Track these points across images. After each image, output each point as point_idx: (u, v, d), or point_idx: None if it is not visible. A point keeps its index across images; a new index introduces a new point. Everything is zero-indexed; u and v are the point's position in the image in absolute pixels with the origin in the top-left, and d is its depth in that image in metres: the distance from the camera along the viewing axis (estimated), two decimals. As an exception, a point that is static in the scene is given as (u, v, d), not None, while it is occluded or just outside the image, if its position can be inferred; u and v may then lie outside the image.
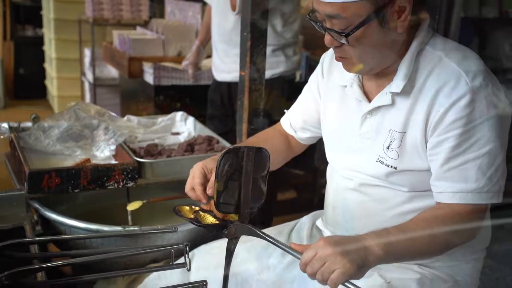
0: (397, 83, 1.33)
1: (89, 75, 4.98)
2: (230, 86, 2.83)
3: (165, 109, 3.45)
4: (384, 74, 1.38)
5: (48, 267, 1.34)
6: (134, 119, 2.39)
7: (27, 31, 6.48)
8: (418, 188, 1.38)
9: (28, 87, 6.29)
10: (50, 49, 5.63)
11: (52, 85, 5.72)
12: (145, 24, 4.65)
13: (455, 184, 1.28)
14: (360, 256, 1.16)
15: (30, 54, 6.26)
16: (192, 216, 1.42)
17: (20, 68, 6.35)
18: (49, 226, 1.79)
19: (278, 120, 1.80)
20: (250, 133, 2.13)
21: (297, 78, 3.14)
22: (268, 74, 2.44)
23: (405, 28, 1.29)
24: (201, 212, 1.43)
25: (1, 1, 6.12)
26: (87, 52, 5.08)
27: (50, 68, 5.76)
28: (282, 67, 2.77)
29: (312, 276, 1.16)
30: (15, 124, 2.14)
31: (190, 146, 2.16)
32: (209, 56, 3.52)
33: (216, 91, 2.99)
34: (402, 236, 1.23)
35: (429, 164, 1.32)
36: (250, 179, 1.29)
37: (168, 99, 3.58)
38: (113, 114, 2.29)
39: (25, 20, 6.45)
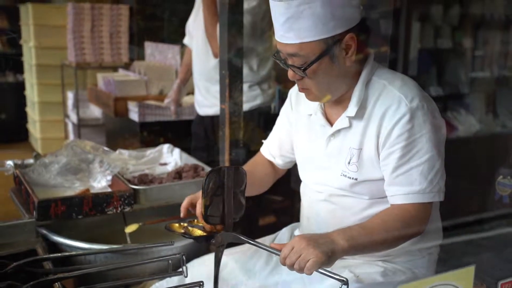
0: (352, 108, 1.53)
1: (73, 117, 5.04)
2: (212, 119, 2.94)
3: (149, 144, 3.41)
4: (341, 102, 1.57)
5: (63, 277, 1.46)
6: (125, 152, 2.53)
7: (8, 77, 6.42)
8: (376, 195, 1.55)
9: (10, 131, 6.26)
10: (32, 94, 5.69)
11: (35, 128, 5.75)
12: (125, 66, 4.76)
13: (403, 187, 1.47)
14: (329, 248, 1.33)
15: (11, 99, 6.28)
16: (182, 231, 1.60)
17: (1, 113, 6.32)
18: (56, 250, 1.86)
19: (257, 149, 1.94)
20: (232, 160, 2.23)
21: (272, 110, 3.27)
22: (246, 106, 2.60)
23: (352, 62, 1.49)
24: (189, 227, 1.61)
25: None
26: (70, 95, 5.17)
27: (33, 112, 5.80)
28: (259, 100, 2.92)
29: (291, 267, 1.34)
30: (18, 162, 2.28)
31: (178, 174, 2.29)
32: (189, 93, 3.66)
33: (200, 124, 3.11)
34: (363, 231, 1.42)
35: (382, 175, 1.51)
36: (231, 194, 1.46)
37: (152, 134, 3.64)
38: (106, 148, 2.44)
39: (5, 66, 6.29)
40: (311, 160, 1.69)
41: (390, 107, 1.48)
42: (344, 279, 1.28)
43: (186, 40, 3.28)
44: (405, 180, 1.47)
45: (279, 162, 1.89)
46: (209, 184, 1.43)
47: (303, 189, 1.78)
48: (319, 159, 1.65)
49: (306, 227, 1.77)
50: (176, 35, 4.43)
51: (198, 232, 1.58)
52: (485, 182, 2.70)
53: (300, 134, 1.75)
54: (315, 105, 1.65)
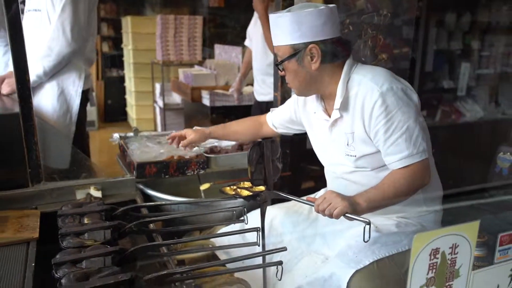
0: (337, 102, 1.53)
1: (160, 102, 5.17)
2: (267, 104, 2.95)
3: (217, 123, 3.48)
4: (332, 98, 1.56)
5: (155, 220, 1.53)
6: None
7: (113, 73, 6.66)
8: (375, 166, 1.54)
9: (114, 113, 6.49)
10: (130, 85, 5.86)
11: (132, 111, 5.94)
12: (199, 63, 4.82)
13: (396, 155, 1.46)
14: (351, 202, 1.37)
15: (115, 89, 6.45)
16: (233, 193, 1.61)
17: (108, 99, 6.55)
18: (149, 200, 1.95)
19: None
20: (281, 137, 2.14)
21: None
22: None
23: (317, 68, 1.49)
24: (238, 189, 1.61)
25: (95, 53, 6.36)
26: (157, 86, 5.28)
27: (130, 98, 5.99)
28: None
29: (322, 212, 1.38)
30: (122, 134, 2.38)
31: (240, 146, 2.35)
32: (248, 84, 3.72)
33: (257, 108, 3.15)
34: (377, 191, 1.44)
35: (375, 149, 1.50)
36: (270, 161, 1.49)
37: (219, 116, 3.70)
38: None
39: (111, 64, 6.63)
40: (323, 147, 1.70)
41: (366, 95, 1.47)
42: (367, 220, 1.30)
43: (246, 42, 3.30)
44: (395, 149, 1.46)
45: (278, 128, 1.93)
46: (252, 154, 1.46)
47: (325, 171, 1.78)
48: (327, 146, 1.66)
49: None
50: (238, 39, 4.46)
51: (246, 193, 1.59)
52: (487, 158, 2.62)
53: (311, 128, 1.75)
54: (316, 104, 1.65)
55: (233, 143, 2.48)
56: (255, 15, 3.16)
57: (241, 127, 1.99)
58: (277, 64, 1.55)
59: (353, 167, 1.57)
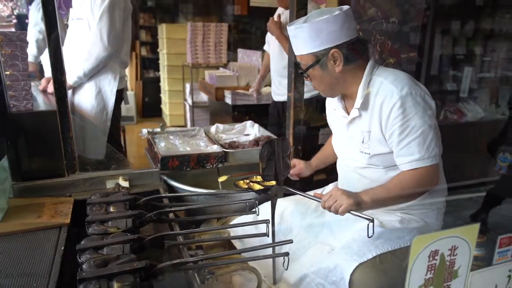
0: (358, 101, 1.44)
1: (189, 100, 5.12)
2: (283, 104, 2.87)
3: (238, 120, 3.47)
4: (352, 98, 1.48)
5: (176, 210, 1.50)
6: (221, 125, 2.53)
7: (150, 74, 6.64)
8: (388, 165, 1.45)
9: (150, 109, 6.47)
10: (164, 84, 5.83)
11: (166, 108, 5.92)
12: (224, 66, 4.76)
13: (407, 157, 1.36)
14: (357, 199, 1.30)
15: (151, 88, 6.43)
16: (246, 186, 1.57)
17: (146, 97, 6.54)
18: (172, 191, 1.91)
19: (314, 126, 1.90)
20: (294, 133, 2.14)
21: (326, 99, 3.16)
22: (307, 95, 2.43)
23: (341, 70, 1.41)
24: (251, 183, 1.58)
25: (135, 57, 6.34)
26: (187, 86, 5.24)
27: (164, 97, 5.97)
28: (316, 91, 2.81)
29: (328, 209, 1.31)
30: (150, 130, 2.33)
31: (256, 142, 2.28)
32: (267, 85, 3.63)
33: (274, 107, 3.06)
34: (383, 189, 1.36)
35: (388, 149, 1.41)
36: (280, 158, 1.41)
37: (240, 113, 3.65)
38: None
39: (149, 66, 6.62)
40: (340, 142, 1.62)
41: (385, 97, 1.38)
42: (370, 218, 1.23)
43: (265, 47, 3.21)
44: (407, 151, 1.36)
45: None
46: (264, 152, 1.39)
47: (338, 164, 1.70)
48: (344, 141, 1.58)
49: (340, 187, 1.68)
50: (259, 44, 4.38)
51: (257, 187, 1.55)
52: (487, 156, 2.47)
53: (332, 124, 1.69)
54: (336, 103, 1.58)
55: (251, 138, 2.44)
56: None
57: (332, 149, 1.84)
58: (301, 73, 1.46)
59: (365, 164, 1.49)
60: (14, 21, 4.25)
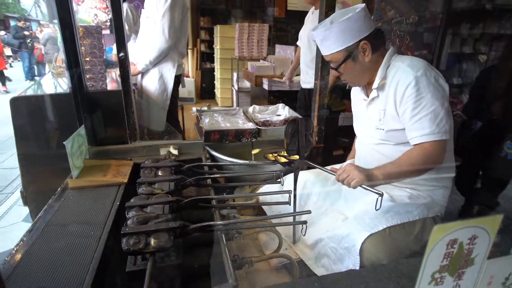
0: (376, 82, 1.25)
1: (235, 86, 5.00)
2: (310, 91, 2.69)
3: (272, 103, 3.35)
4: (372, 82, 1.29)
5: (213, 177, 1.39)
6: (257, 107, 2.37)
7: (207, 65, 6.56)
8: (399, 141, 1.25)
9: (206, 93, 6.41)
10: (217, 73, 5.69)
11: (218, 92, 5.81)
12: (264, 58, 4.57)
13: (418, 131, 1.16)
14: (368, 174, 1.13)
15: (208, 76, 6.37)
16: (273, 159, 1.43)
17: (203, 83, 6.48)
18: (213, 160, 1.79)
19: (336, 110, 1.70)
20: (319, 116, 1.97)
21: (347, 86, 2.92)
22: (331, 83, 2.29)
23: (370, 59, 1.22)
24: (278, 157, 1.44)
25: (196, 51, 6.26)
26: (234, 74, 5.11)
27: (217, 83, 5.84)
28: (339, 80, 2.59)
29: (341, 182, 1.15)
30: (199, 108, 2.21)
31: (286, 121, 2.09)
32: (297, 74, 3.42)
33: (302, 93, 2.86)
34: (393, 165, 1.17)
35: (401, 126, 1.21)
36: (303, 135, 1.25)
37: (274, 97, 3.51)
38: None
39: (206, 59, 6.56)
40: (360, 122, 1.42)
41: (401, 77, 1.19)
42: (380, 192, 1.05)
43: (298, 42, 2.96)
44: (419, 126, 1.16)
45: None
46: (288, 129, 1.23)
47: (357, 140, 1.49)
48: (363, 121, 1.38)
49: (357, 162, 1.49)
50: (292, 40, 4.12)
51: (283, 160, 1.40)
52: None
53: (354, 106, 1.48)
54: (360, 89, 1.38)
55: (281, 118, 2.24)
56: (305, 21, 2.79)
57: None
58: (335, 69, 1.26)
59: (380, 140, 1.31)
60: (107, 23, 4.32)
